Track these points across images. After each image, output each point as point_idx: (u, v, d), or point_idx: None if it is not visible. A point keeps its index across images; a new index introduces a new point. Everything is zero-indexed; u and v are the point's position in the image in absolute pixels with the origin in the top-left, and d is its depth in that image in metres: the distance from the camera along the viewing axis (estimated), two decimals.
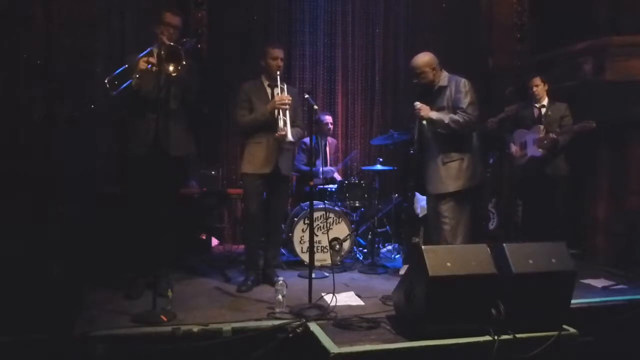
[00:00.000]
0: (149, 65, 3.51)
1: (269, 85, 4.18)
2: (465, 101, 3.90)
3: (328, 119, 5.88)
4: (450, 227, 3.93)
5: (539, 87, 4.98)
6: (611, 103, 5.05)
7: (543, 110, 4.99)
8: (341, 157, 6.46)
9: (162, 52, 3.41)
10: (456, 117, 3.88)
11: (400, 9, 6.62)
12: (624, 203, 5.23)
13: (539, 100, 5.01)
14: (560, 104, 4.96)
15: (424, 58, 4.02)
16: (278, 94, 4.09)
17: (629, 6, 5.26)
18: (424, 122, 4.03)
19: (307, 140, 5.81)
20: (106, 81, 3.50)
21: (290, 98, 4.02)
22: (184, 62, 3.42)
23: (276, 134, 3.98)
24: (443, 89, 4.01)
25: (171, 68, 3.43)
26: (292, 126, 4.03)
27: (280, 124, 3.96)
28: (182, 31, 3.83)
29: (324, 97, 6.47)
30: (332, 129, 5.99)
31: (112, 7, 4.98)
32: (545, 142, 4.82)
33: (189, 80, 3.75)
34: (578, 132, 4.71)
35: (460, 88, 3.94)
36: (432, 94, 4.04)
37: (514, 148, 5.11)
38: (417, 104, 4.01)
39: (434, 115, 3.96)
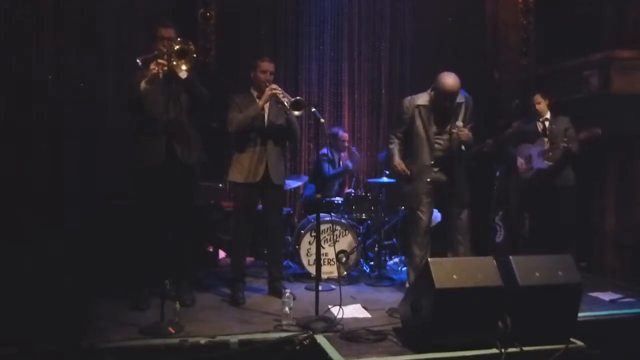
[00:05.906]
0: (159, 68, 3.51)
1: (258, 97, 4.13)
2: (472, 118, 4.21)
3: (345, 135, 5.87)
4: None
5: (542, 104, 5.03)
6: (617, 116, 5.07)
7: (547, 123, 5.02)
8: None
9: (172, 50, 3.44)
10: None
11: (406, 23, 6.65)
12: (631, 215, 5.22)
13: (541, 115, 5.05)
14: (562, 118, 5.00)
15: (457, 79, 4.03)
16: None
17: (635, 20, 5.29)
18: (463, 147, 4.13)
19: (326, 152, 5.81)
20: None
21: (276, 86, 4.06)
22: (195, 56, 3.47)
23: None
24: (460, 105, 4.15)
25: (183, 67, 3.45)
26: None
27: (285, 101, 3.99)
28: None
29: (330, 110, 6.50)
30: (347, 146, 5.96)
31: (121, 22, 5.05)
32: (551, 153, 4.85)
33: (197, 84, 3.80)
34: (583, 141, 4.76)
35: (472, 106, 4.20)
36: (450, 111, 4.13)
37: (520, 161, 5.13)
38: (460, 125, 4.07)
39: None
